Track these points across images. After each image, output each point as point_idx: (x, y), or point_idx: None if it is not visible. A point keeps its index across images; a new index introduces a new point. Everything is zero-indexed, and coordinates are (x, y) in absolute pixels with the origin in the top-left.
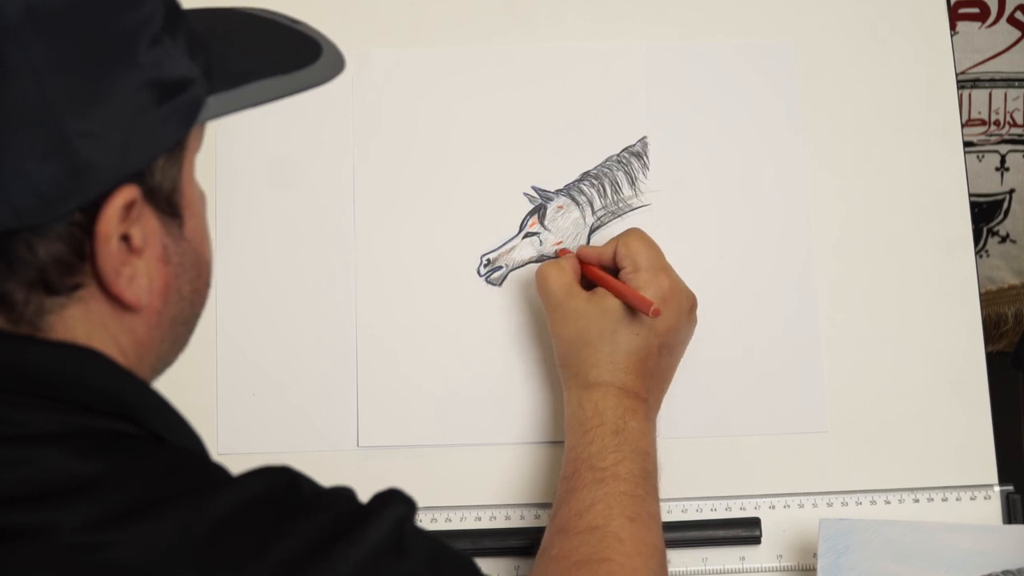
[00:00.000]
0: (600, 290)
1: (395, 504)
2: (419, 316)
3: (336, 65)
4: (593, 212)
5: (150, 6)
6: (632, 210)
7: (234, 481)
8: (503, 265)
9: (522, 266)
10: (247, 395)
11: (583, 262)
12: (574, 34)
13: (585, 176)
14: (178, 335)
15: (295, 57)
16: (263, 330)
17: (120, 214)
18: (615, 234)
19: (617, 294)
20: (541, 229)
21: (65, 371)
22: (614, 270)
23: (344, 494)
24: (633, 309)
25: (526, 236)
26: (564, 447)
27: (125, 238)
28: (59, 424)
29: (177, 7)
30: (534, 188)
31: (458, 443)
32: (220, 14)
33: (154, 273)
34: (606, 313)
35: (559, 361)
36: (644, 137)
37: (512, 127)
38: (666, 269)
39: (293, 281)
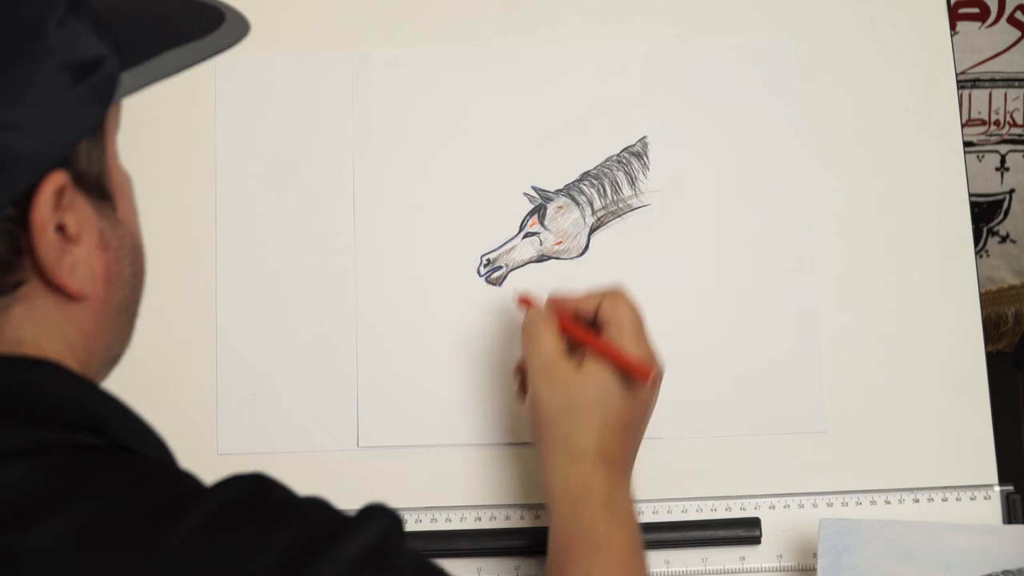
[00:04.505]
0: (590, 355)
1: (377, 518)
2: (419, 316)
3: (241, 28)
4: (593, 212)
5: None
6: (632, 210)
7: (204, 492)
8: (503, 265)
9: (522, 266)
10: (247, 395)
11: (562, 317)
12: (574, 34)
13: (585, 176)
14: (123, 322)
15: (200, 24)
16: (263, 330)
17: (52, 201)
18: (615, 234)
19: (612, 358)
20: (541, 229)
21: (25, 384)
22: (590, 323)
23: (318, 503)
24: (623, 375)
25: (526, 236)
26: (550, 520)
27: (60, 228)
28: (23, 440)
29: None
30: (534, 188)
31: (458, 443)
32: None
33: (94, 260)
34: (599, 380)
35: (539, 424)
36: (644, 137)
37: (512, 127)
38: (647, 336)
39: (293, 281)
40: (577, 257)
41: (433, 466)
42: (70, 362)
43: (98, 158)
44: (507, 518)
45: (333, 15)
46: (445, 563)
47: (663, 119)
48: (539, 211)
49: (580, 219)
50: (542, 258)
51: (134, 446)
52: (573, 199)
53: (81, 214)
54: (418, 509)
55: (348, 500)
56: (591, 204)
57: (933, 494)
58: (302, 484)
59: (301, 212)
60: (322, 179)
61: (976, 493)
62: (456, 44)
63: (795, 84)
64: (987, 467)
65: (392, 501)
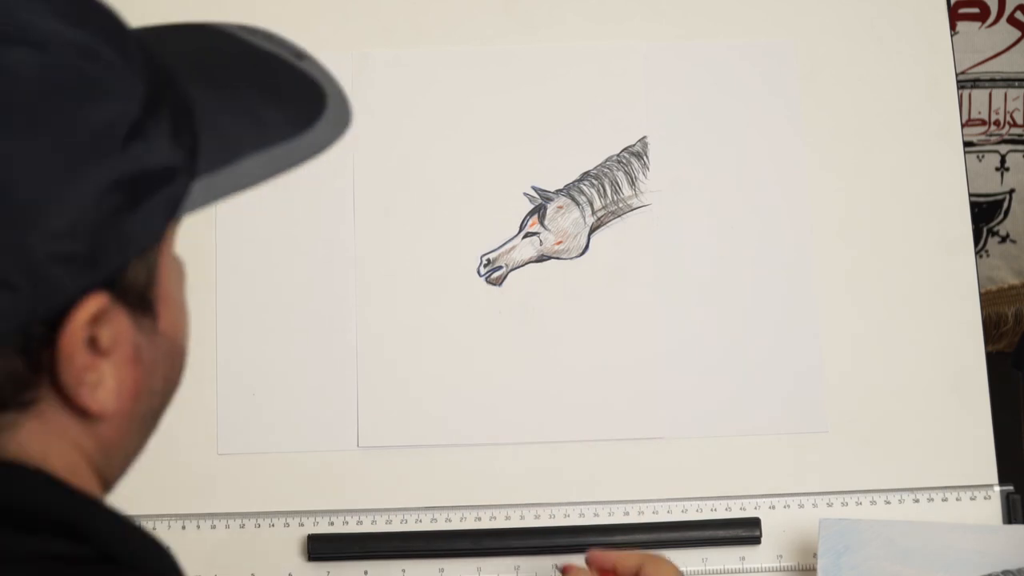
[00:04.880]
0: None
1: None
2: (419, 316)
3: (341, 118)
4: (593, 212)
5: (124, 94)
6: (632, 210)
7: None
8: (503, 265)
9: (522, 266)
10: (247, 395)
11: (603, 573)
12: (574, 34)
13: (585, 176)
14: (148, 428)
15: (295, 112)
16: (263, 330)
17: (86, 328)
18: (615, 234)
19: None
20: (541, 229)
21: (11, 494)
22: None
23: None
24: None
25: (526, 236)
26: None
27: (91, 340)
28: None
29: (160, 78)
30: (534, 188)
31: (458, 443)
32: (213, 38)
33: (124, 375)
34: None
35: None
36: (644, 137)
37: (512, 127)
38: None
39: (293, 281)
40: (577, 257)
41: (433, 466)
42: (83, 473)
43: (148, 268)
44: (507, 518)
45: (333, 15)
46: (445, 563)
47: (663, 119)
48: (539, 211)
49: (580, 219)
50: (542, 258)
51: (128, 560)
52: (573, 199)
53: (117, 328)
54: (418, 509)
55: (348, 500)
56: (591, 204)
57: (933, 494)
58: (302, 484)
59: (301, 212)
60: (322, 179)
61: (976, 493)
62: (456, 44)
63: (795, 84)
64: (987, 467)
65: (392, 501)
